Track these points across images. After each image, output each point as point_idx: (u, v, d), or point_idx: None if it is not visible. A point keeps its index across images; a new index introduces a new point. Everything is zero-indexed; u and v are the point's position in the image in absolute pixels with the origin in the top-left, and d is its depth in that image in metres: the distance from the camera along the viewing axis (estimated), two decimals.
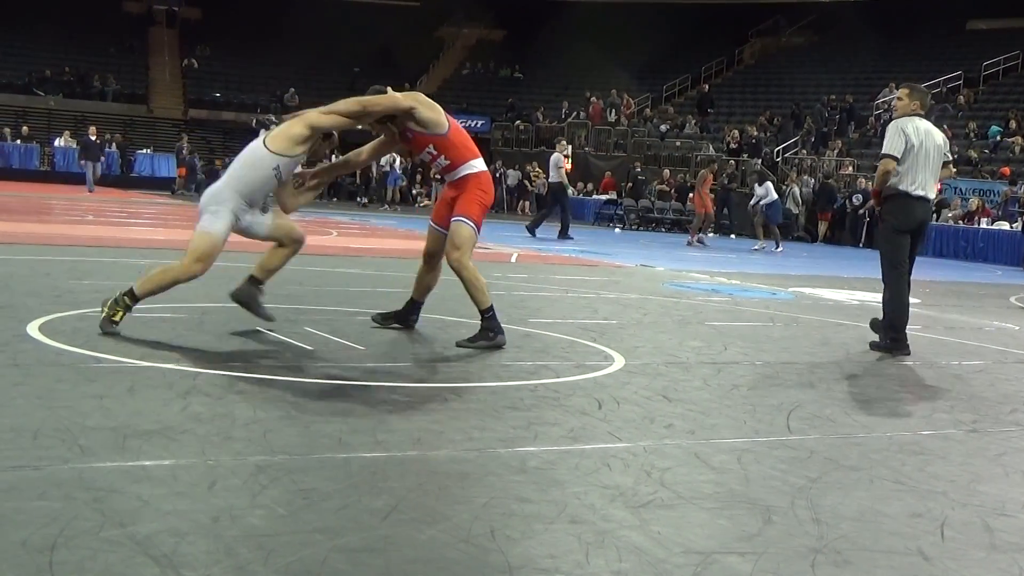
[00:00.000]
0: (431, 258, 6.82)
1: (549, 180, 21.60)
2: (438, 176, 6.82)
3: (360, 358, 5.83)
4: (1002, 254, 22.72)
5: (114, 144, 34.62)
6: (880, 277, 7.71)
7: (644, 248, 20.06)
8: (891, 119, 8.03)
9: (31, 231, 13.58)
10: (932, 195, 7.64)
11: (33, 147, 34.52)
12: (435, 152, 6.46)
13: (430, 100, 6.46)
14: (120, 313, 5.78)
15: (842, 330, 8.78)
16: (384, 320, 6.90)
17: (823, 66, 37.67)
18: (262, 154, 6.03)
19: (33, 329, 5.78)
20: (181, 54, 44.01)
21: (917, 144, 7.41)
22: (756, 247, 21.66)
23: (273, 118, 26.54)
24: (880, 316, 7.75)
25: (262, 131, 6.38)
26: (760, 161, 29.75)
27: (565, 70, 41.71)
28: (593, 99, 37.60)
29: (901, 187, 7.46)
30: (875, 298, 11.99)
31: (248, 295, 6.34)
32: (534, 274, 12.39)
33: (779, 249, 21.17)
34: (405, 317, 6.89)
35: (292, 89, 41.61)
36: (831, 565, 2.94)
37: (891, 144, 7.43)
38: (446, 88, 44.89)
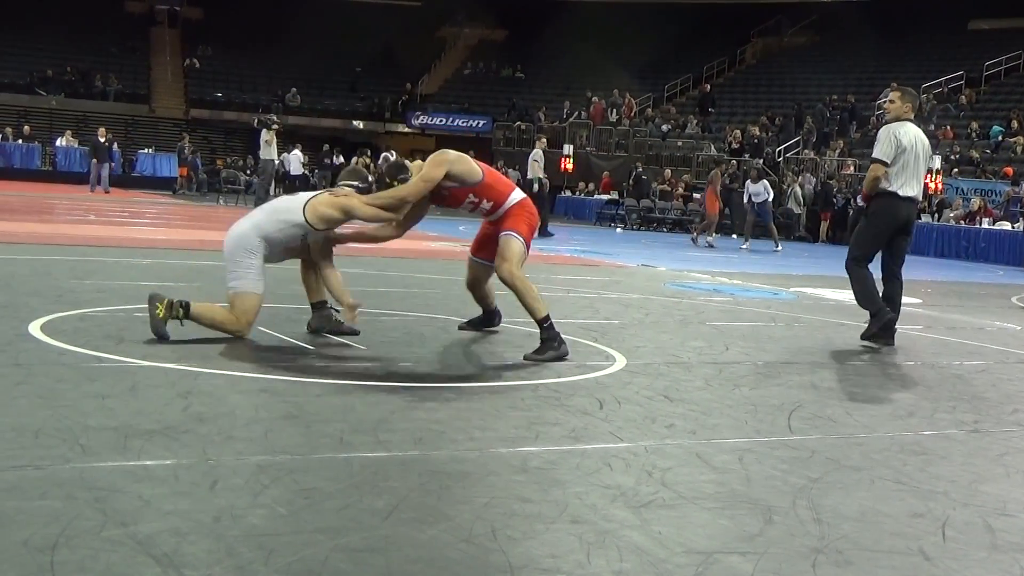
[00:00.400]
0: (475, 287, 6.90)
1: (527, 176, 21.48)
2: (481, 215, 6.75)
3: (361, 358, 5.83)
4: (1004, 254, 22.70)
5: (115, 144, 34.61)
6: (846, 267, 8.11)
7: (646, 248, 20.06)
8: (883, 122, 8.27)
9: (33, 231, 13.58)
10: (919, 195, 7.99)
11: (35, 147, 34.50)
12: (476, 199, 6.42)
13: (456, 153, 6.37)
14: (161, 310, 5.68)
15: (844, 330, 8.77)
16: (471, 326, 7.01)
17: (825, 66, 37.66)
18: (298, 220, 6.03)
19: (35, 329, 5.78)
20: (183, 54, 44.04)
21: (908, 147, 7.70)
22: (744, 246, 21.67)
23: (275, 117, 26.50)
24: (866, 327, 7.94)
25: (305, 193, 6.28)
26: (761, 160, 29.75)
27: (567, 70, 41.70)
28: (595, 99, 37.60)
29: (891, 188, 7.74)
30: None
31: (321, 322, 6.37)
32: (536, 274, 12.36)
33: (778, 248, 21.14)
34: (490, 322, 7.03)
35: (294, 89, 41.69)
36: (832, 565, 2.94)
37: (883, 150, 7.71)
38: (447, 88, 44.93)
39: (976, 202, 24.58)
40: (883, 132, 7.85)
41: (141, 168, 35.62)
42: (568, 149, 33.99)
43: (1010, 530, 3.40)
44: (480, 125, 40.99)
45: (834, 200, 27.25)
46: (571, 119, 37.42)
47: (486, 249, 6.66)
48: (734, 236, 24.27)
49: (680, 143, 34.43)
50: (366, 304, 6.69)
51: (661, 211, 29.70)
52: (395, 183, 6.17)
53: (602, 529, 3.10)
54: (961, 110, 31.83)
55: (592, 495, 3.43)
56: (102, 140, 28.84)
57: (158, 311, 5.66)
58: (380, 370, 5.54)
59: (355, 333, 6.29)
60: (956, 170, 27.28)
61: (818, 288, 13.01)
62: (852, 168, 29.10)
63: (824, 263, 19.48)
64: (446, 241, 17.54)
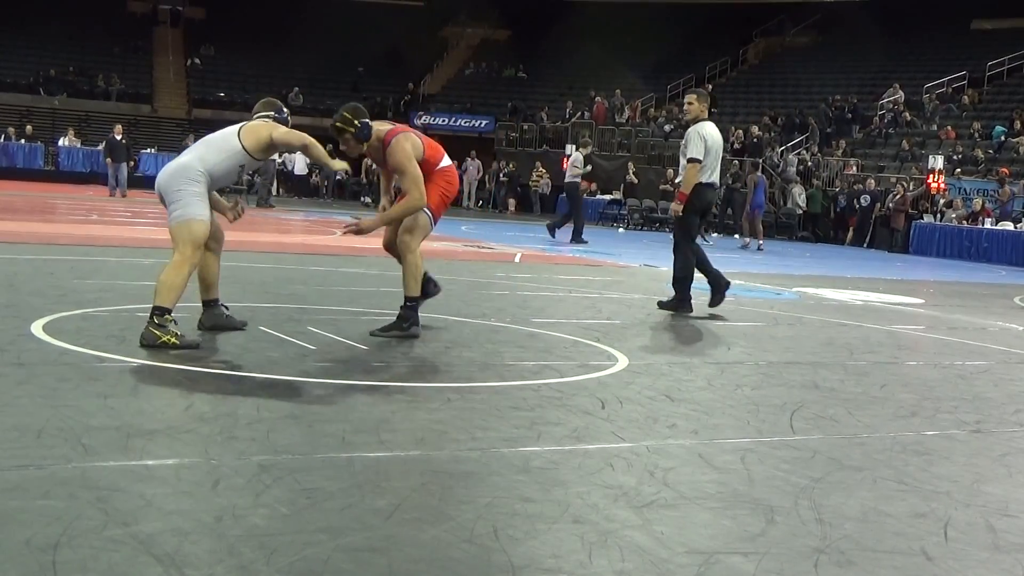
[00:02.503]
0: (392, 248, 6.96)
1: (566, 179, 20.96)
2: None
3: (363, 358, 5.83)
4: (1006, 254, 22.65)
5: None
6: (674, 249, 9.29)
7: (648, 248, 20.03)
8: (684, 121, 9.65)
9: (35, 230, 13.59)
10: (718, 181, 9.48)
11: (37, 146, 34.48)
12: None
13: (407, 151, 6.52)
14: (171, 335, 5.50)
15: (845, 330, 8.77)
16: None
17: (827, 66, 37.59)
18: (237, 147, 5.93)
19: (37, 328, 5.79)
20: (185, 54, 44.02)
21: (712, 143, 8.99)
22: (755, 246, 21.77)
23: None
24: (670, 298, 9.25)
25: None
26: (761, 160, 29.71)
27: (569, 70, 41.66)
28: (597, 99, 37.58)
29: (701, 179, 8.98)
30: (879, 298, 12.00)
31: (215, 320, 6.20)
32: (538, 274, 12.39)
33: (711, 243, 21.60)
34: (426, 291, 6.92)
35: (296, 88, 41.66)
36: (834, 565, 2.94)
37: (696, 149, 8.93)
38: (450, 88, 44.89)
39: (978, 202, 24.54)
40: (692, 133, 9.00)
41: (144, 168, 35.54)
42: (570, 149, 33.94)
43: (1012, 530, 3.40)
44: (483, 125, 40.95)
45: (857, 204, 26.95)
46: (574, 119, 37.40)
47: None
48: (736, 236, 24.25)
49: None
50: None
51: (663, 211, 29.67)
52: (351, 124, 6.37)
53: (604, 529, 3.10)
54: (964, 110, 31.77)
55: (594, 495, 3.43)
56: (119, 138, 27.27)
57: (170, 340, 5.48)
58: (382, 370, 5.54)
59: (243, 327, 6.23)
60: (959, 170, 27.23)
61: (820, 288, 13.01)
62: (855, 168, 29.07)
63: (826, 263, 19.49)
64: (447, 241, 17.55)
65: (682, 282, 9.11)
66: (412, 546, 2.85)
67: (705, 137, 8.93)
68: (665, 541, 3.03)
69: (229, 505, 3.05)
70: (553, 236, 19.75)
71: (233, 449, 3.68)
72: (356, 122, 6.42)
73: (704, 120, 9.14)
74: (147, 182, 33.17)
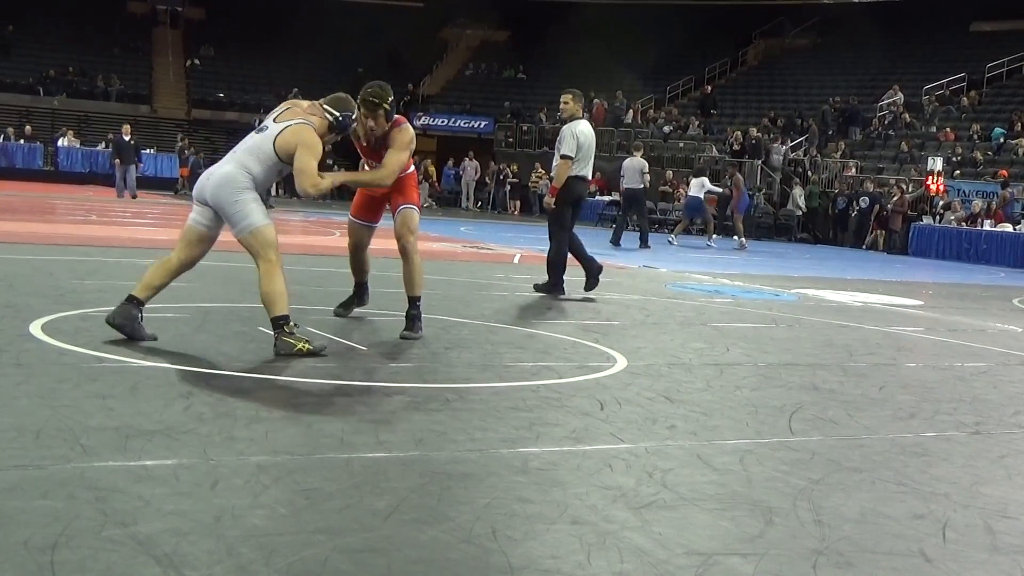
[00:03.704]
0: (359, 250, 7.22)
1: (627, 186, 19.96)
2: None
3: (362, 358, 5.83)
4: (1005, 256, 22.66)
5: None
6: (549, 237, 9.96)
7: (647, 249, 20.03)
8: (559, 119, 10.32)
9: (34, 231, 13.59)
10: (589, 175, 10.06)
11: (37, 147, 34.48)
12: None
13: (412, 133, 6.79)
14: (303, 341, 5.54)
15: (845, 332, 8.77)
16: (345, 309, 7.33)
17: (827, 67, 37.62)
18: (273, 159, 5.74)
19: (36, 329, 5.78)
20: (185, 54, 44.03)
21: (584, 141, 9.70)
22: (742, 245, 22.01)
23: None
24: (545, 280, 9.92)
25: (267, 125, 5.84)
26: (760, 161, 29.73)
27: (569, 71, 41.50)
28: (597, 100, 37.57)
29: (572, 173, 9.67)
30: (878, 300, 12.00)
31: (124, 318, 5.67)
32: (537, 275, 12.36)
33: (712, 244, 22.26)
34: (361, 299, 7.40)
35: (296, 89, 41.56)
36: (833, 567, 2.94)
37: (568, 147, 9.64)
38: (449, 89, 44.91)
39: (977, 204, 24.55)
40: (566, 131, 9.72)
41: (143, 168, 35.53)
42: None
43: (1011, 532, 3.40)
44: (482, 126, 40.98)
45: (856, 206, 26.92)
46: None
47: (369, 211, 7.11)
48: (734, 237, 24.27)
49: (682, 144, 34.39)
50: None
51: (662, 212, 29.66)
52: (387, 100, 6.38)
53: (603, 530, 3.10)
54: (963, 112, 31.79)
55: (593, 496, 3.43)
56: (127, 139, 26.94)
57: (305, 347, 5.53)
58: (381, 371, 5.54)
59: (153, 338, 5.66)
60: (958, 172, 27.25)
61: (819, 290, 13.01)
62: (854, 170, 29.08)
63: (825, 265, 19.50)
64: (446, 242, 17.56)
65: (555, 267, 9.79)
66: (411, 547, 2.85)
67: (578, 135, 9.64)
68: (664, 542, 3.03)
69: (228, 505, 3.05)
70: (648, 246, 19.38)
71: (232, 449, 3.68)
72: (390, 99, 6.42)
73: (578, 119, 9.84)
74: (146, 182, 33.41)
